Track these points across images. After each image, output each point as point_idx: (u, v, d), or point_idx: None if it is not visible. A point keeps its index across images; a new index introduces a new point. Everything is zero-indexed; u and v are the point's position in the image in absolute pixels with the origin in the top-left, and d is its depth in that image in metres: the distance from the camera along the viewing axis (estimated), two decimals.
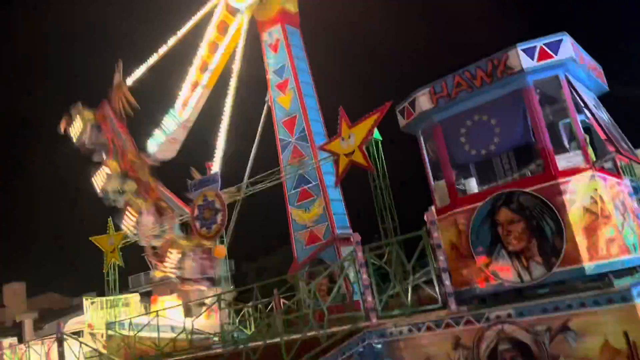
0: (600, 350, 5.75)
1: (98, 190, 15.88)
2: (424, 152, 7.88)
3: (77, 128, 16.72)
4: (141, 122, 17.59)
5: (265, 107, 16.29)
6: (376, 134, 15.05)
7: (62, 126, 17.16)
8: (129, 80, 17.51)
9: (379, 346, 7.48)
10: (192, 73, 17.33)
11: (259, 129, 16.58)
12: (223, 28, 17.30)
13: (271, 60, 16.65)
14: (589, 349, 5.80)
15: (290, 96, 16.11)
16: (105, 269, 16.33)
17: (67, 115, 17.32)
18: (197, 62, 17.39)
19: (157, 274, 12.89)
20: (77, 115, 16.88)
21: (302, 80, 16.19)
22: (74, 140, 16.91)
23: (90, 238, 16.69)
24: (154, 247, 13.21)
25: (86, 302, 13.58)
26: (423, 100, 7.51)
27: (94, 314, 13.54)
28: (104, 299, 14.37)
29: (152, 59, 17.79)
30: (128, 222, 14.72)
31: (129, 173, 15.37)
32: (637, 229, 7.12)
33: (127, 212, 14.95)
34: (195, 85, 17.22)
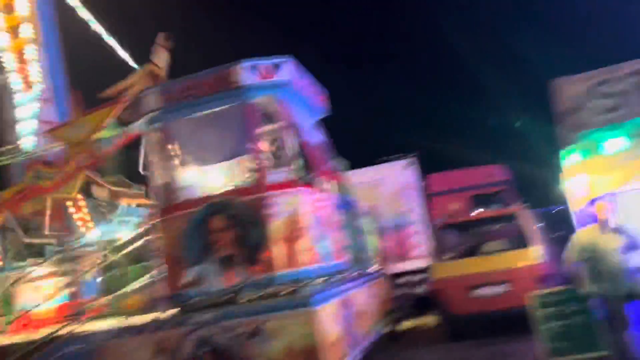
0: (285, 351, 6.31)
1: None
2: (145, 151, 7.69)
3: None
4: None
5: None
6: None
7: None
8: None
9: (81, 352, 7.06)
10: (7, 39, 14.09)
11: None
12: None
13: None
14: (277, 350, 6.30)
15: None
16: None
17: None
18: (2, 27, 14.13)
19: None
20: None
21: (49, 56, 14.54)
22: None
23: None
24: None
25: None
26: (152, 99, 7.34)
27: None
28: None
29: None
30: None
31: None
32: (336, 241, 8.04)
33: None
34: (20, 48, 14.11)
